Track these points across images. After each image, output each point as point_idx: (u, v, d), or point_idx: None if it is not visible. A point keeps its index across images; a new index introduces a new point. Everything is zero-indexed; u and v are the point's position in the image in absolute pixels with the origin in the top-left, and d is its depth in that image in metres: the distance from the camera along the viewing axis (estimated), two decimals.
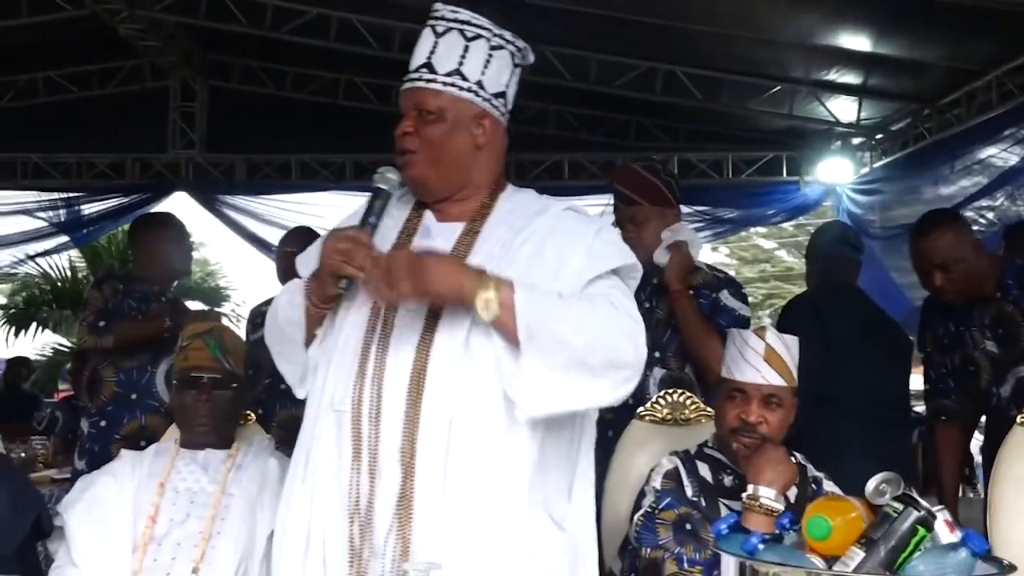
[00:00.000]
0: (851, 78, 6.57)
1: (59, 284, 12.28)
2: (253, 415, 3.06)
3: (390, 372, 2.01)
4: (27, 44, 7.54)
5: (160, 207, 8.13)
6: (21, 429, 5.79)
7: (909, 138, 7.00)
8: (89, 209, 8.57)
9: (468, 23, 2.12)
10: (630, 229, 3.30)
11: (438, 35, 2.12)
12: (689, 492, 2.53)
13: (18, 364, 9.85)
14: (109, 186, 8.50)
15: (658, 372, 3.25)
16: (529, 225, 2.13)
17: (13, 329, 12.42)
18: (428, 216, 2.18)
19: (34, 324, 12.44)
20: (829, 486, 2.61)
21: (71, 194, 8.46)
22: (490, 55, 2.12)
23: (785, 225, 16.32)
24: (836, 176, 7.73)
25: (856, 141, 7.62)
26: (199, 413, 2.71)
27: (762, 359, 2.50)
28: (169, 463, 2.65)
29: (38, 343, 12.65)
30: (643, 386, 3.18)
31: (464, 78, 2.10)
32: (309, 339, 2.18)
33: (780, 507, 2.33)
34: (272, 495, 2.50)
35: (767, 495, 2.36)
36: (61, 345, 12.61)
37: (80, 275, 12.17)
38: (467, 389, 1.99)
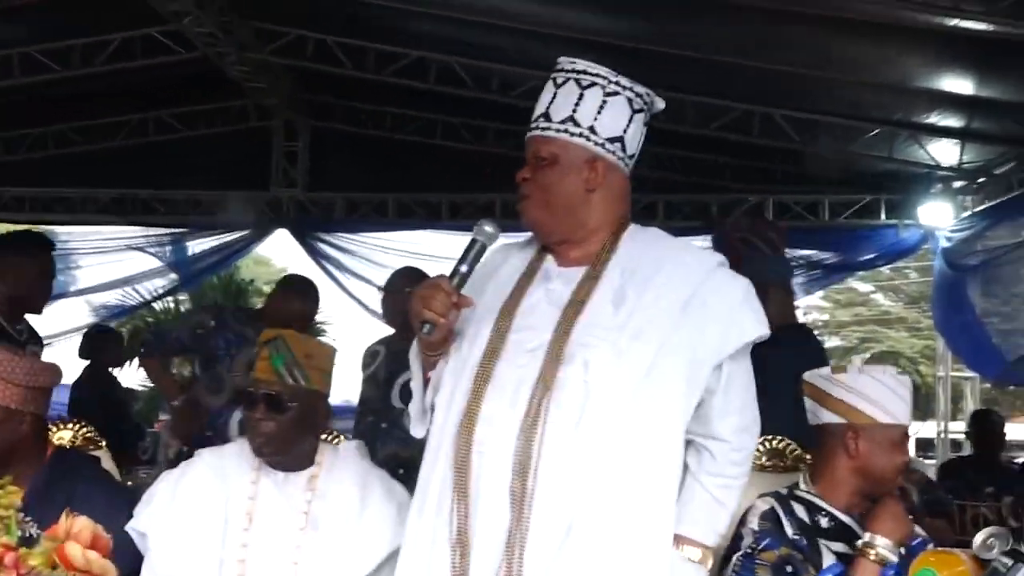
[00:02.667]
0: (953, 121, 6.46)
1: (162, 316, 12.61)
2: (341, 437, 2.93)
3: (505, 415, 2.06)
4: (140, 85, 7.82)
5: (264, 246, 8.33)
6: (127, 458, 5.94)
7: (1013, 182, 6.85)
8: (195, 246, 8.85)
9: (584, 72, 2.19)
10: None
11: (558, 86, 2.21)
12: (789, 532, 2.51)
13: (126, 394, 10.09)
14: (213, 222, 8.75)
15: None
16: (655, 268, 2.15)
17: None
18: (549, 260, 2.23)
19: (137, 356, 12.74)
20: (921, 532, 2.57)
21: (177, 230, 8.74)
22: (604, 101, 2.17)
23: (882, 268, 16.01)
24: (936, 220, 7.58)
25: (957, 184, 7.48)
26: (254, 433, 2.52)
27: (911, 399, 2.51)
28: (252, 483, 2.53)
29: (141, 374, 12.97)
30: None
31: (576, 124, 2.17)
32: (426, 382, 2.24)
33: (895, 558, 2.30)
34: (374, 515, 2.48)
35: (884, 545, 2.33)
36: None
37: (183, 308, 12.49)
38: (584, 440, 2.02)
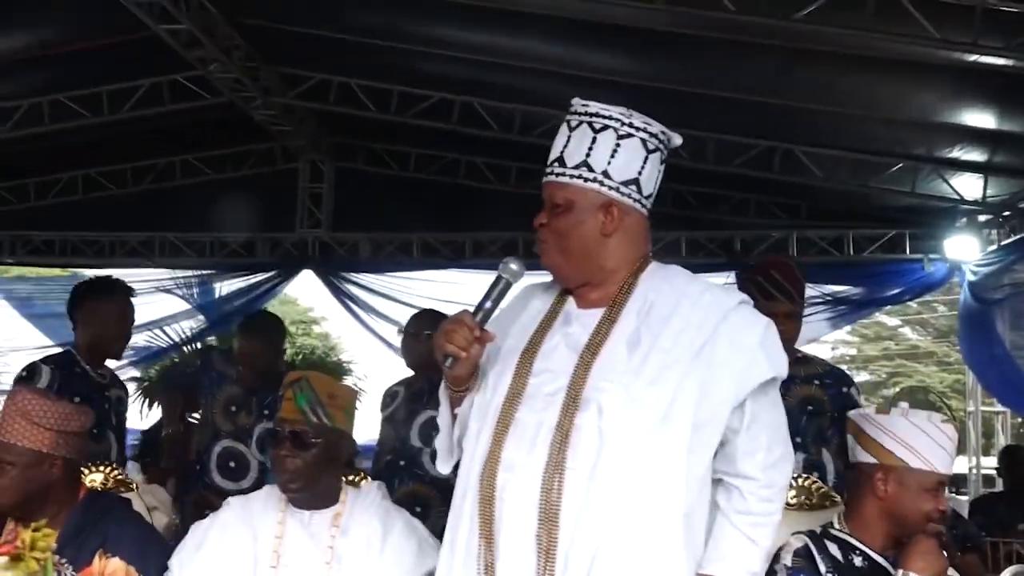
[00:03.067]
0: (976, 155, 6.46)
1: (186, 353, 12.65)
2: (366, 476, 2.97)
3: (524, 461, 2.07)
4: (167, 129, 7.94)
5: (290, 286, 8.37)
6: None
7: None
8: (223, 287, 8.92)
9: (597, 115, 2.18)
10: (787, 325, 3.39)
11: (571, 129, 2.21)
12: (822, 569, 2.50)
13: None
14: (240, 264, 8.83)
15: (799, 456, 3.34)
16: (672, 309, 2.14)
17: (147, 401, 12.81)
18: (569, 302, 2.23)
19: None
20: (951, 572, 2.56)
21: (204, 271, 8.83)
22: (618, 144, 2.17)
23: (910, 303, 15.93)
24: (962, 254, 7.56)
25: (982, 218, 7.46)
26: (280, 469, 2.58)
27: (955, 449, 2.49)
28: (279, 523, 2.59)
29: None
30: None
31: (591, 168, 2.16)
32: (452, 419, 2.27)
33: None
34: (395, 549, 2.53)
35: None
36: (193, 417, 12.95)
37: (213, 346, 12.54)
38: (601, 488, 2.03)
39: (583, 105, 2.21)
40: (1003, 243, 7.33)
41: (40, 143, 7.67)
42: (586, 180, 2.16)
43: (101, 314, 4.23)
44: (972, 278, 7.45)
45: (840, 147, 6.74)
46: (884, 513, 2.52)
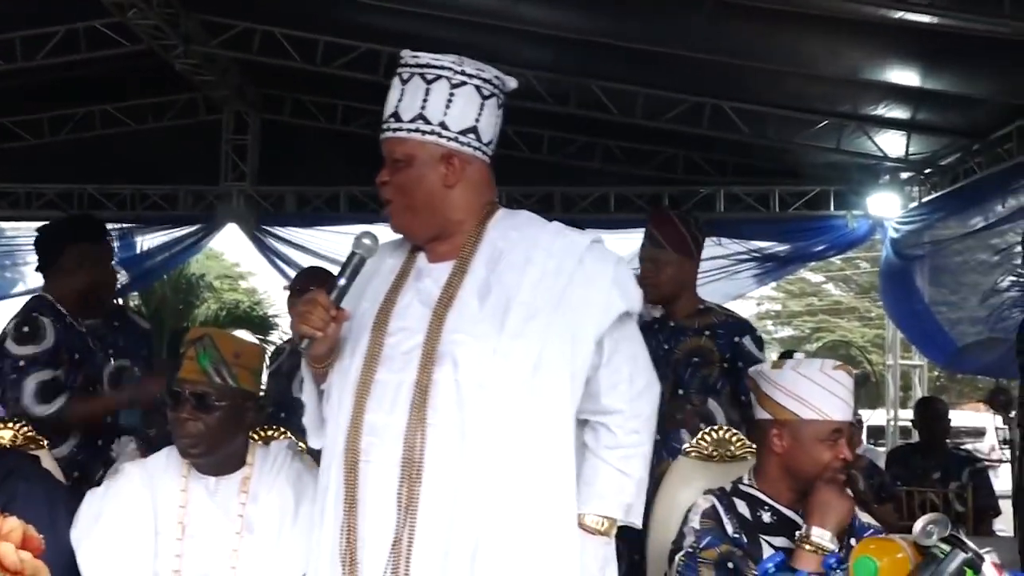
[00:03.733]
0: (900, 112, 6.55)
1: None
2: (282, 430, 2.83)
3: (387, 422, 2.07)
4: (84, 78, 7.71)
5: (215, 240, 8.21)
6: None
7: (959, 173, 6.96)
8: (144, 242, 8.73)
9: (428, 66, 2.15)
10: (649, 268, 3.65)
11: (404, 83, 2.17)
12: (729, 529, 2.50)
13: None
14: (162, 217, 8.65)
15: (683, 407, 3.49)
16: (524, 256, 2.14)
17: None
18: (420, 258, 2.22)
19: None
20: (866, 518, 2.59)
21: (125, 225, 8.63)
22: (452, 94, 2.14)
23: (833, 259, 16.19)
24: (884, 210, 7.68)
25: (905, 176, 7.58)
26: (180, 433, 2.43)
27: (851, 395, 2.49)
28: (181, 491, 2.46)
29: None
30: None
31: (427, 121, 2.13)
32: (318, 395, 2.25)
33: (832, 546, 2.31)
34: (309, 518, 2.36)
35: (819, 535, 2.33)
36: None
37: (132, 303, 12.33)
38: (467, 440, 2.03)
39: (413, 56, 2.18)
40: (924, 200, 7.46)
41: None
42: (424, 133, 2.13)
43: (94, 258, 3.80)
44: (894, 235, 7.59)
45: (767, 103, 6.78)
46: (784, 468, 2.51)
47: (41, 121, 8.45)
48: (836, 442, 2.46)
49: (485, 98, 2.17)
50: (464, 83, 2.15)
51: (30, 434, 2.93)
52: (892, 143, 7.01)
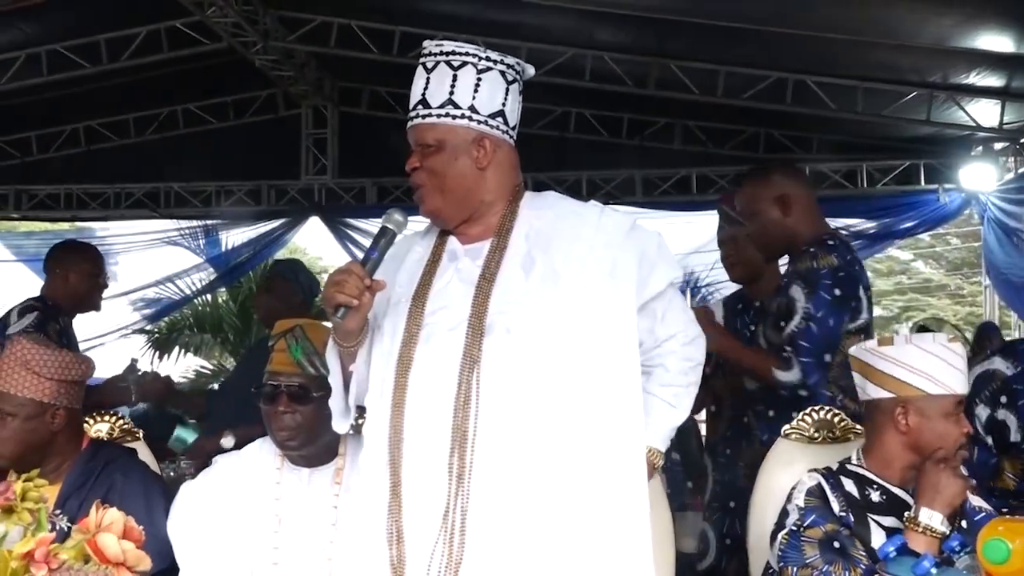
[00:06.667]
0: (993, 80, 6.32)
1: (200, 308, 12.68)
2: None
3: (433, 397, 2.07)
4: (167, 78, 7.83)
5: (298, 235, 8.30)
6: (168, 451, 5.95)
7: None
8: (229, 238, 8.88)
9: (453, 53, 2.20)
10: (730, 248, 3.59)
11: (429, 71, 2.21)
12: (836, 508, 2.44)
13: None
14: (246, 213, 8.76)
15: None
16: (570, 230, 2.19)
17: (157, 353, 12.85)
18: (451, 242, 2.24)
19: (177, 348, 12.86)
20: (977, 501, 2.49)
21: (211, 222, 8.78)
22: (479, 79, 2.19)
23: (922, 235, 15.81)
24: (978, 183, 7.43)
25: (998, 146, 7.33)
26: (277, 427, 2.44)
27: (965, 365, 2.44)
28: (276, 483, 2.47)
29: (181, 366, 13.07)
30: None
31: (456, 106, 2.18)
32: (347, 377, 2.24)
33: (944, 529, 2.23)
34: None
35: (928, 516, 2.26)
36: (203, 368, 13.01)
37: (220, 299, 12.55)
38: (522, 406, 2.05)
39: (437, 45, 2.22)
40: (1020, 171, 7.20)
41: (40, 95, 7.59)
42: (454, 117, 2.18)
43: (76, 266, 4.38)
44: (995, 209, 7.32)
45: (853, 76, 6.59)
46: (909, 447, 2.44)
47: (127, 122, 8.63)
48: (959, 416, 2.38)
49: (509, 83, 2.23)
50: (490, 68, 2.20)
51: (126, 427, 2.98)
52: (985, 112, 6.78)
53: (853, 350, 2.58)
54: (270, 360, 2.49)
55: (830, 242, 3.16)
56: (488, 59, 2.19)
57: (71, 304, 4.45)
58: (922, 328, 4.16)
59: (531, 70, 2.28)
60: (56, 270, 4.44)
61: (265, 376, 2.49)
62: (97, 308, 4.63)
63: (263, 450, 2.56)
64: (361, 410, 2.26)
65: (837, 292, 3.07)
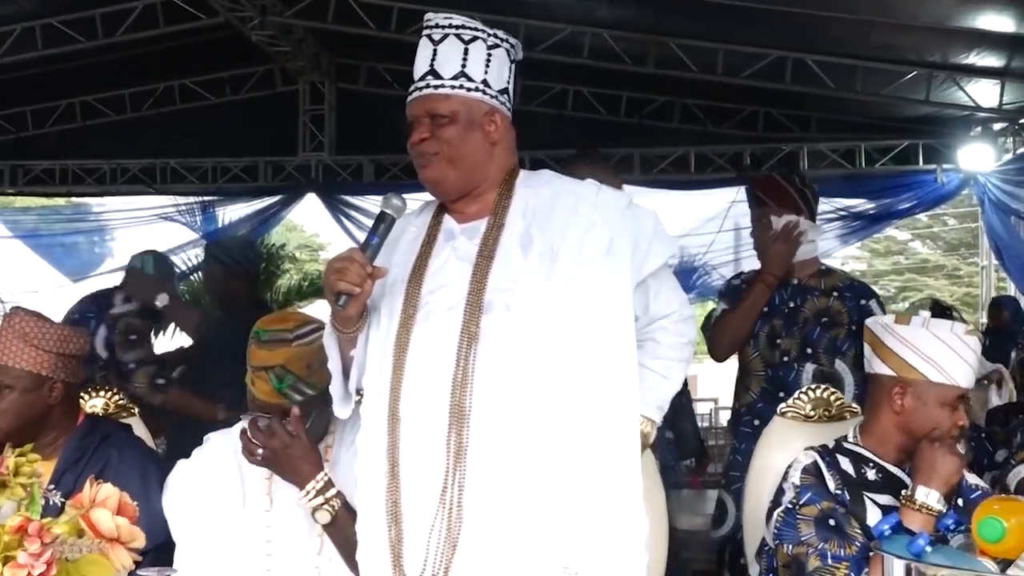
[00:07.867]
0: (993, 60, 6.31)
1: (196, 284, 12.65)
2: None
3: (431, 376, 2.06)
4: (163, 53, 7.80)
5: (294, 212, 8.28)
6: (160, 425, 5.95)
7: None
8: (226, 214, 8.85)
9: (463, 27, 2.16)
10: (763, 230, 3.58)
11: (436, 43, 2.16)
12: (831, 486, 2.43)
13: None
14: (243, 189, 8.74)
15: (809, 367, 3.45)
16: (568, 207, 2.16)
17: (153, 328, 12.82)
18: (447, 221, 2.21)
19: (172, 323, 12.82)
20: (973, 479, 2.49)
21: (207, 198, 8.75)
22: (489, 54, 2.16)
23: (920, 216, 15.80)
24: (977, 164, 7.42)
25: (998, 127, 7.31)
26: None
27: (978, 362, 2.41)
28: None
29: (175, 343, 13.03)
30: (796, 381, 3.40)
31: (470, 79, 2.14)
32: (346, 362, 2.22)
33: (941, 507, 2.23)
34: None
35: (924, 494, 2.26)
36: None
37: None
38: (520, 382, 2.04)
39: (446, 18, 2.18)
40: (1019, 151, 7.18)
41: (35, 69, 7.55)
42: (469, 90, 2.13)
43: None
44: (994, 189, 7.31)
45: (852, 55, 6.58)
46: (899, 427, 2.44)
47: (123, 97, 8.61)
48: (957, 408, 2.37)
49: (512, 62, 2.21)
50: (498, 45, 2.17)
51: (121, 402, 2.97)
52: (984, 93, 6.76)
53: (868, 322, 2.58)
54: (256, 387, 2.44)
55: None
56: (496, 36, 2.17)
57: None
58: (940, 313, 4.15)
59: (521, 53, 2.25)
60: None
61: (251, 403, 2.45)
62: None
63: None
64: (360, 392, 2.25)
65: None
